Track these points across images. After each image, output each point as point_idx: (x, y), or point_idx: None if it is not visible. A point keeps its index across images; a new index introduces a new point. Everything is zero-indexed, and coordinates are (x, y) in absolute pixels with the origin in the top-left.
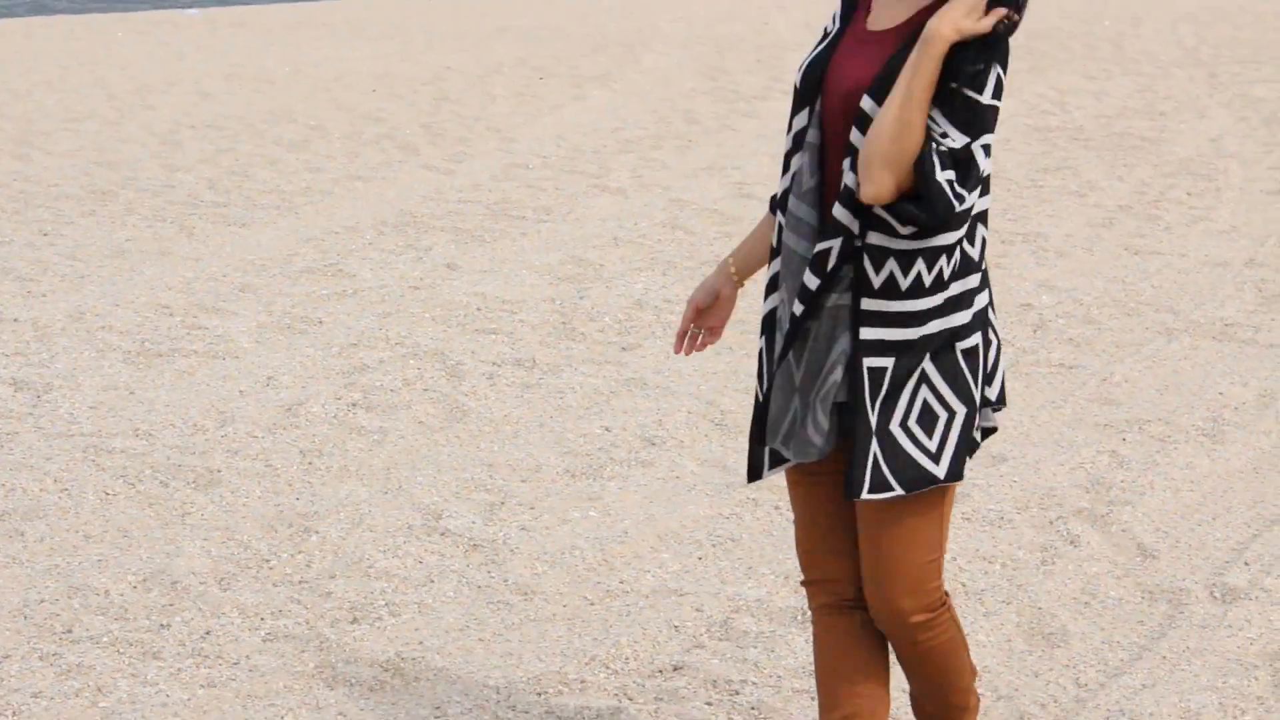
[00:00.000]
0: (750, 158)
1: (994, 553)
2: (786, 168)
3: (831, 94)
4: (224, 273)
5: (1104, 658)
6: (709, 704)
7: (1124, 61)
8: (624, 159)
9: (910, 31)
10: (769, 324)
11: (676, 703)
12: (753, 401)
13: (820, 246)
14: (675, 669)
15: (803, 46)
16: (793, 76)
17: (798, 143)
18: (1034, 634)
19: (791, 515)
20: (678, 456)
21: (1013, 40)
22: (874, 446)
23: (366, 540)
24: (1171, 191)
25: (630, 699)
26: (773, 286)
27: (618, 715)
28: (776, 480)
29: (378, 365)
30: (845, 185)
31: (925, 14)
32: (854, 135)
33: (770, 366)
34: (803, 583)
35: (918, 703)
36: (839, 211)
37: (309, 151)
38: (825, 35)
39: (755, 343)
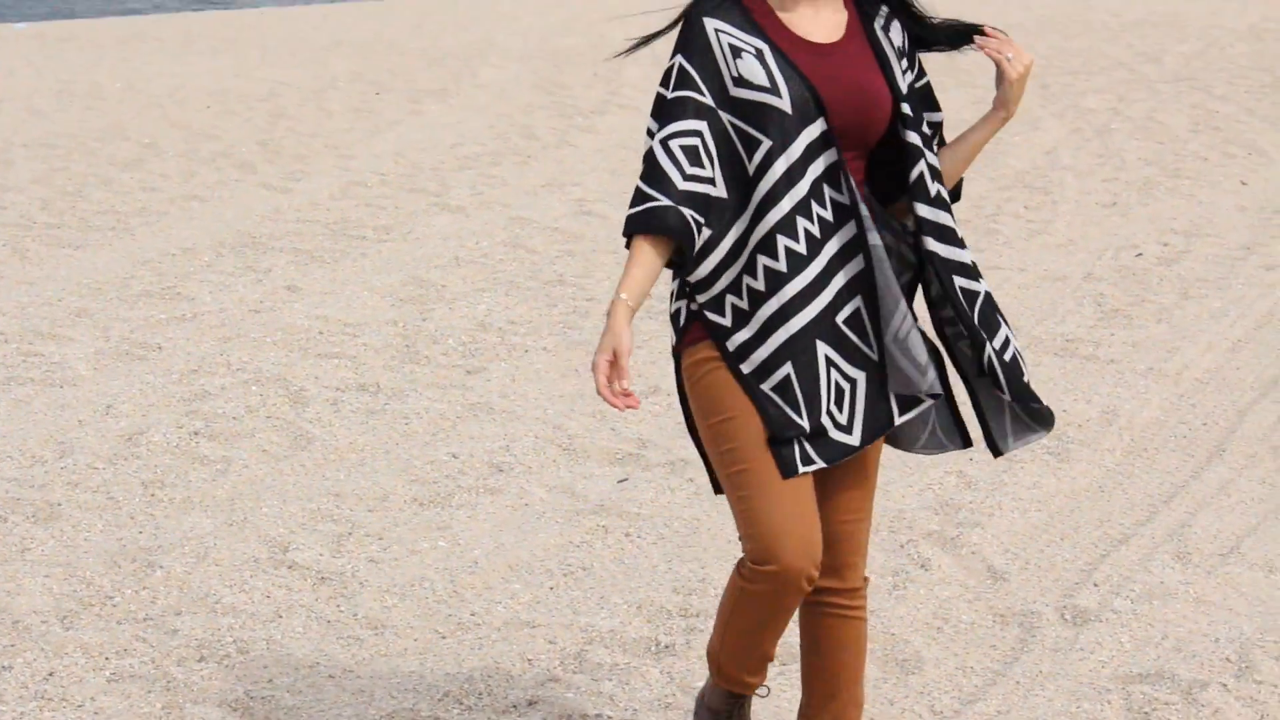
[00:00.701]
0: (590, 173)
1: None
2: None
3: (841, 106)
4: (59, 296)
5: (958, 684)
6: None
7: (955, 72)
8: (463, 176)
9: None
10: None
11: None
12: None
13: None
14: (530, 704)
15: (640, 60)
16: (628, 91)
17: (806, 157)
18: (888, 660)
19: (637, 545)
20: (526, 483)
21: None
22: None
23: (212, 574)
24: (1009, 205)
25: None
26: (800, 302)
27: None
28: (625, 507)
29: (219, 392)
30: (921, 175)
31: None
32: (910, 136)
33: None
34: (752, 544)
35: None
36: (923, 210)
37: (143, 170)
38: (734, 53)
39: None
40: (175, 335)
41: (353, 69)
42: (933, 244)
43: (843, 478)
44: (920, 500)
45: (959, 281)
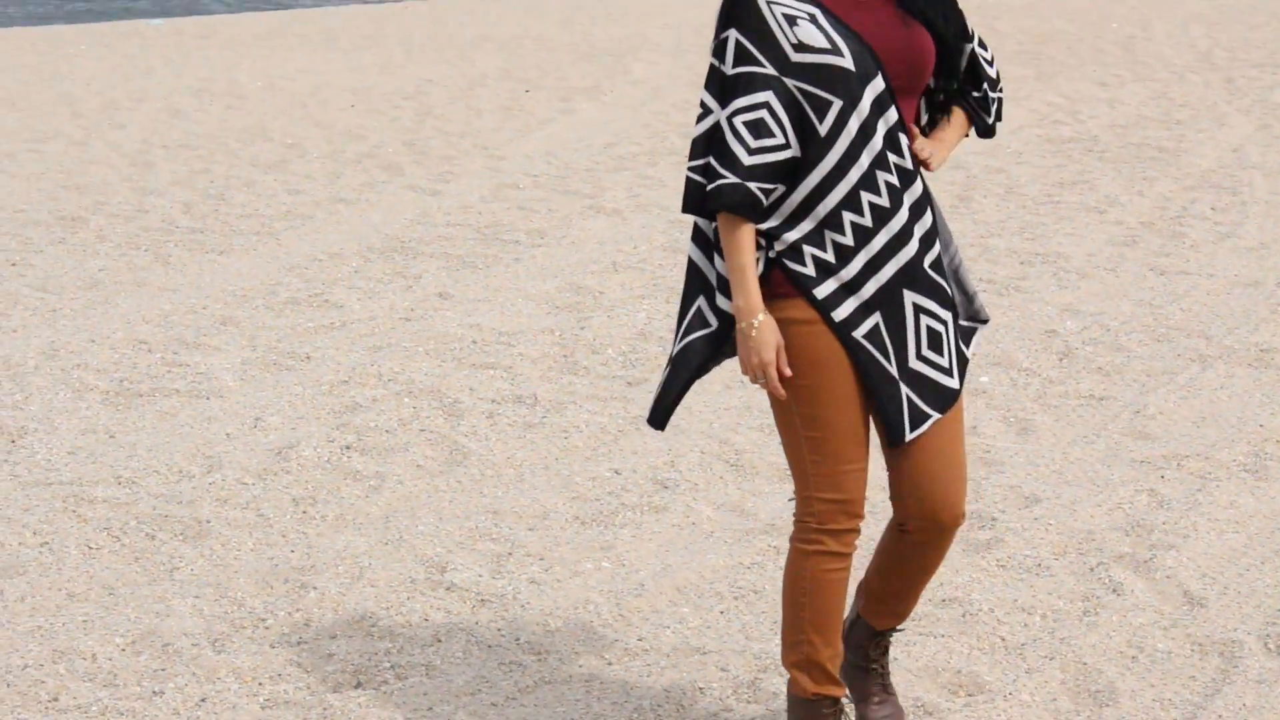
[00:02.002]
0: None
1: (1033, 603)
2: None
3: (894, 60)
4: (203, 304)
5: (1156, 717)
6: None
7: (1135, 66)
8: (619, 177)
9: None
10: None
11: None
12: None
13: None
14: None
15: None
16: None
17: (875, 112)
18: (1080, 692)
19: None
20: (692, 500)
21: (1017, 46)
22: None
23: (368, 596)
24: (1195, 206)
25: None
26: (887, 254)
27: None
28: None
29: (371, 404)
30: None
31: None
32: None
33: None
34: (846, 530)
35: (896, 602)
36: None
37: (287, 172)
38: (789, 21)
39: None
40: (324, 344)
41: (501, 66)
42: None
43: (946, 426)
44: (1109, 520)
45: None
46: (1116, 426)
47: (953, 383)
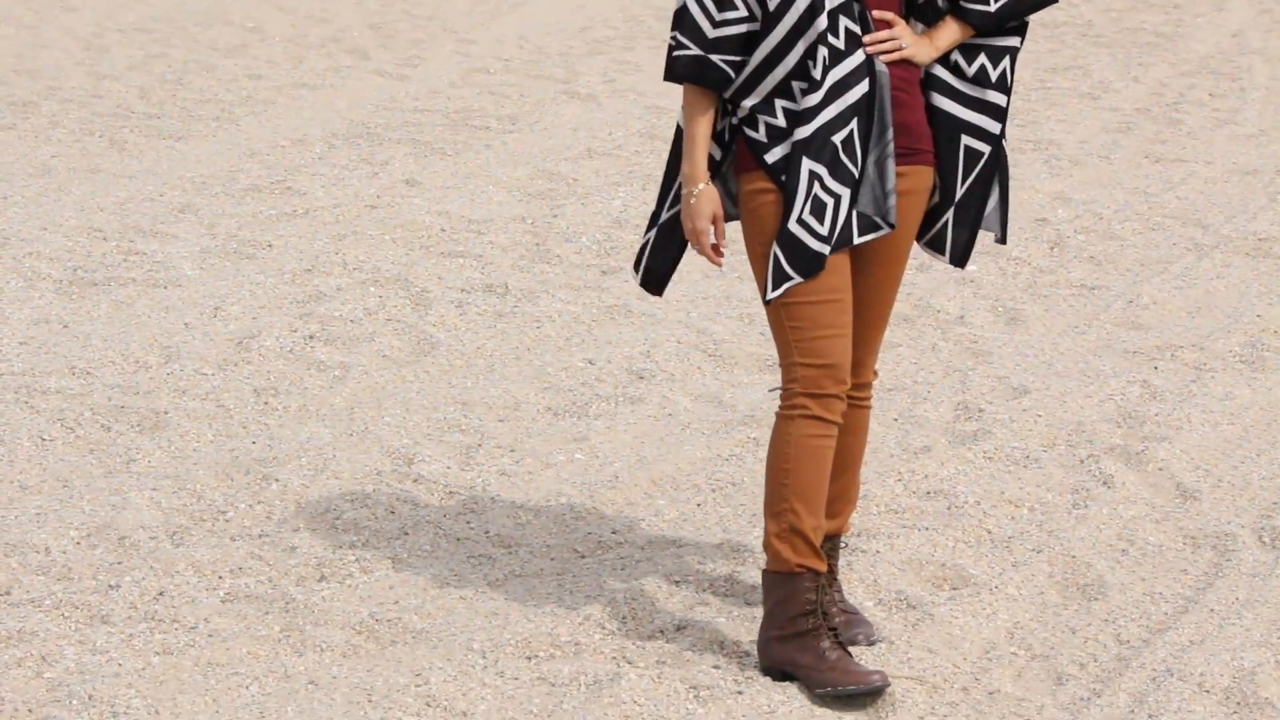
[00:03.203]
0: None
1: (1021, 496)
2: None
3: None
4: (161, 192)
5: (1146, 611)
6: (716, 667)
7: None
8: (594, 62)
9: None
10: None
11: (681, 666)
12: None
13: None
14: (678, 628)
15: None
16: None
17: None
18: (1069, 586)
19: None
20: (669, 391)
21: None
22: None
23: (332, 488)
24: (1192, 93)
25: (630, 663)
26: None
27: (617, 681)
28: None
29: (335, 293)
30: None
31: None
32: None
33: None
34: (829, 395)
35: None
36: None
37: (248, 56)
38: None
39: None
40: (286, 232)
41: None
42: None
43: (868, 285)
44: (1100, 412)
45: (965, 140)
46: (1108, 316)
47: (824, 249)
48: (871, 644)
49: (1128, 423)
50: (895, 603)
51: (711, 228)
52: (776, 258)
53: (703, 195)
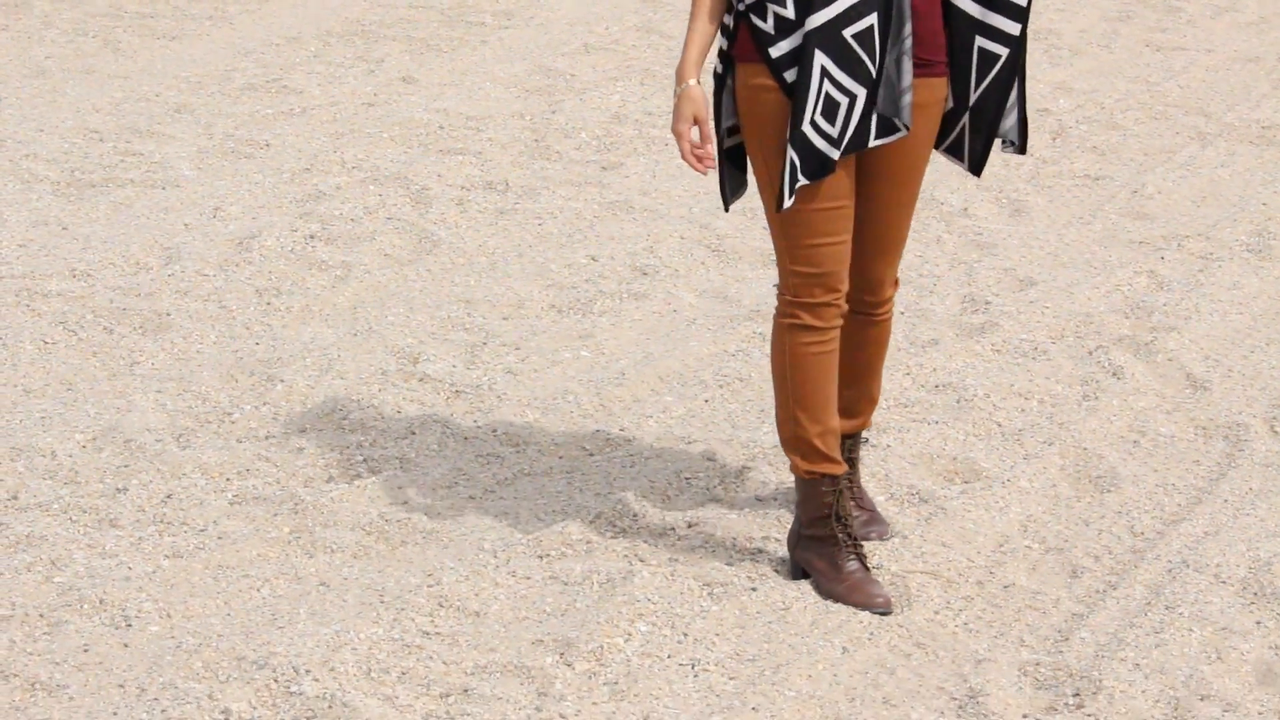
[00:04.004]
0: None
1: (1030, 388)
2: None
3: None
4: (156, 92)
5: (1159, 503)
6: (729, 564)
7: None
8: None
9: None
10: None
11: (694, 563)
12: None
13: None
14: (689, 526)
15: None
16: None
17: None
18: (1081, 478)
19: None
20: (673, 287)
21: None
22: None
23: (338, 388)
24: None
25: (642, 560)
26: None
27: (630, 579)
28: None
29: (335, 192)
30: None
31: None
32: None
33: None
34: (822, 304)
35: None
36: None
37: None
38: None
39: None
40: (284, 131)
41: None
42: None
43: (883, 200)
44: (1108, 303)
45: (979, 41)
46: (1113, 207)
47: (833, 153)
48: (885, 540)
49: (1135, 313)
50: (907, 497)
51: (696, 129)
52: (792, 163)
53: (685, 95)
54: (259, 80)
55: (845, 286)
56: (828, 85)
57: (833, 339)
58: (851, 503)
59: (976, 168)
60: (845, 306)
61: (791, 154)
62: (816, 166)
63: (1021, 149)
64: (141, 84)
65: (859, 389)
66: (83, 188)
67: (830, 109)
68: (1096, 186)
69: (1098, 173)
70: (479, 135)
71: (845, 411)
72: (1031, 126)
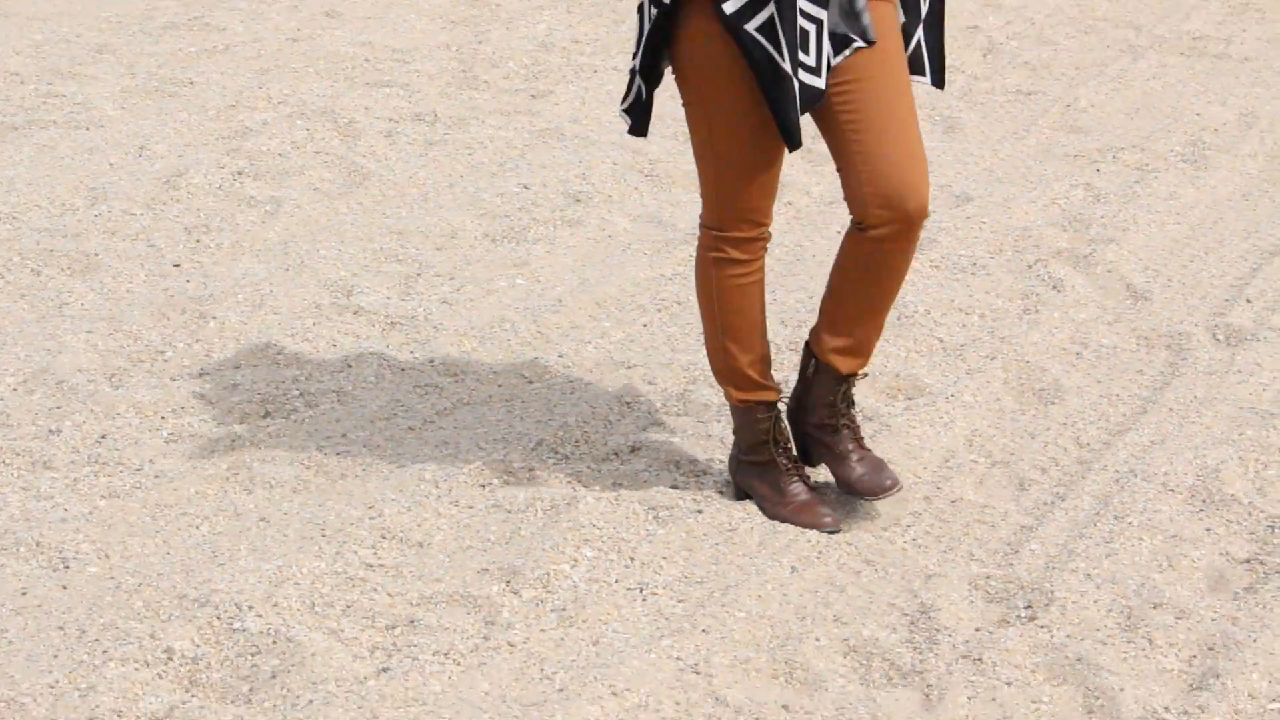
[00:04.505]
0: None
1: (970, 303)
2: None
3: None
4: (76, 33)
5: (1104, 413)
6: (674, 487)
7: None
8: None
9: None
10: None
11: (639, 488)
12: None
13: None
14: (632, 450)
15: None
16: None
17: None
18: (1025, 391)
19: None
20: (607, 213)
21: None
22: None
23: (271, 324)
24: None
25: (585, 486)
26: None
27: (574, 505)
28: None
29: (261, 128)
30: None
31: None
32: None
33: None
34: (748, 239)
35: (856, 327)
36: None
37: None
38: None
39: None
40: (208, 69)
41: None
42: None
43: (871, 102)
44: (1045, 216)
45: None
46: (1047, 121)
47: (819, 82)
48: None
49: (1073, 226)
50: None
51: None
52: (789, 100)
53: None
54: (181, 19)
55: (770, 220)
56: (801, 20)
57: (758, 269)
58: (852, 445)
59: (939, 79)
60: (770, 237)
61: (784, 93)
62: (808, 99)
63: (939, 82)
64: (61, 25)
65: (860, 335)
66: (4, 130)
67: (804, 40)
68: (1029, 101)
69: (1030, 88)
70: (405, 67)
71: (847, 347)
72: (962, 44)
